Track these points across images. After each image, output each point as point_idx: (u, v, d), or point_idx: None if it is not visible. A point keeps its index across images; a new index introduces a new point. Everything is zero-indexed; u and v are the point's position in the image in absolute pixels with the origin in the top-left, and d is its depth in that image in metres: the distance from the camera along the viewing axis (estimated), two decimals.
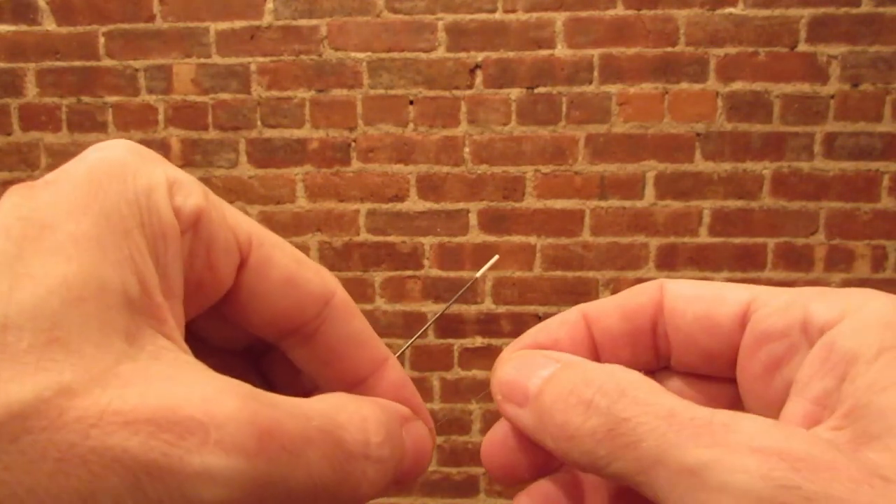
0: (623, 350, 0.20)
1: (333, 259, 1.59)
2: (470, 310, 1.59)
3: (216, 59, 1.54)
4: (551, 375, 0.18)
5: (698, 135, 1.51)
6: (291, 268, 0.20)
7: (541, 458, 0.21)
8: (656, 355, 0.21)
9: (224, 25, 1.52)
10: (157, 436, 0.13)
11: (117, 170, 0.16)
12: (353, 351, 0.20)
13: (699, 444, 0.14)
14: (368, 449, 0.16)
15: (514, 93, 1.52)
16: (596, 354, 0.20)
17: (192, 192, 0.17)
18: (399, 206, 1.57)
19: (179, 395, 0.13)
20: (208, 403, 0.13)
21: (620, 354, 0.20)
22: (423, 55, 1.52)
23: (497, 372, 0.20)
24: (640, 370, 0.18)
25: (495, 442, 0.22)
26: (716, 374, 0.20)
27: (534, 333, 0.20)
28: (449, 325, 1.59)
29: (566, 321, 0.20)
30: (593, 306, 0.20)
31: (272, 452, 0.14)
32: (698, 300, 0.19)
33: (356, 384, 0.20)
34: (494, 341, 1.59)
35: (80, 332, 0.13)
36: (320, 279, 0.20)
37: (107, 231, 0.14)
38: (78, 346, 0.13)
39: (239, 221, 0.18)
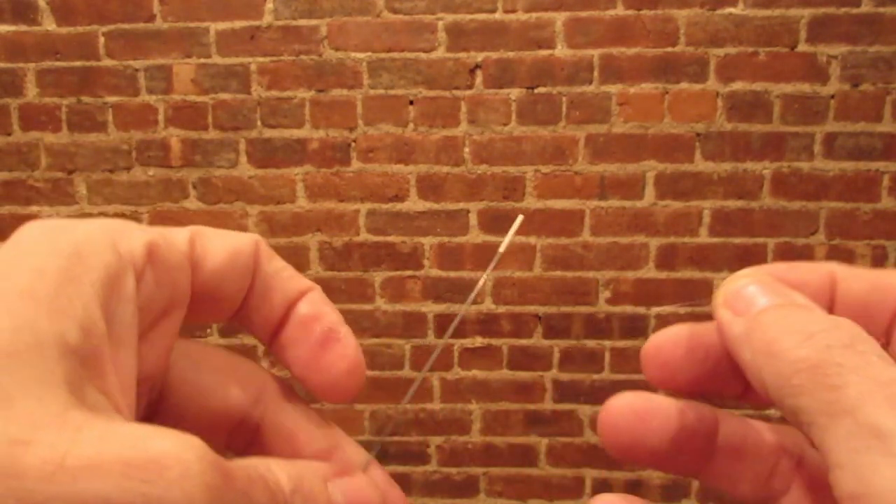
0: (864, 314, 0.19)
1: (333, 259, 1.59)
2: (470, 310, 1.59)
3: (216, 59, 1.54)
4: (783, 303, 0.17)
5: (698, 135, 1.51)
6: (226, 242, 0.20)
7: (706, 374, 0.20)
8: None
9: (224, 25, 1.52)
10: (130, 476, 0.12)
11: (49, 231, 0.16)
12: (280, 283, 0.21)
13: (884, 408, 0.14)
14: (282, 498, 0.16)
15: (514, 93, 1.52)
16: (830, 306, 0.19)
17: (135, 232, 0.17)
18: (399, 206, 1.57)
19: (139, 436, 0.13)
20: (170, 441, 0.13)
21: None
22: (423, 55, 1.52)
23: (731, 282, 0.19)
24: None
25: (667, 340, 0.21)
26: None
27: (784, 269, 0.19)
28: (449, 326, 1.59)
29: (816, 270, 0.19)
30: (842, 268, 0.19)
31: (233, 492, 0.14)
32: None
33: (284, 316, 0.20)
34: (494, 341, 1.59)
35: (18, 386, 0.13)
36: (247, 237, 0.21)
37: (41, 284, 0.14)
38: (19, 400, 0.12)
39: (178, 235, 0.19)
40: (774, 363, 0.16)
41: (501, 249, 0.24)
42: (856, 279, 0.19)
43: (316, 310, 0.21)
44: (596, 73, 1.50)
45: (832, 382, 0.15)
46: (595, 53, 1.50)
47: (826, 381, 0.15)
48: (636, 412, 0.20)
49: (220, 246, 0.20)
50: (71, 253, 0.15)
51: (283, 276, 0.21)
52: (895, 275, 0.18)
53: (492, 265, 0.24)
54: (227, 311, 0.20)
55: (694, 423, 0.21)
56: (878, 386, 0.14)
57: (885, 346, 0.19)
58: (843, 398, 0.14)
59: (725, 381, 0.21)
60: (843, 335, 0.16)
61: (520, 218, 0.24)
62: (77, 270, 0.15)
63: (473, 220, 1.56)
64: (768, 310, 0.17)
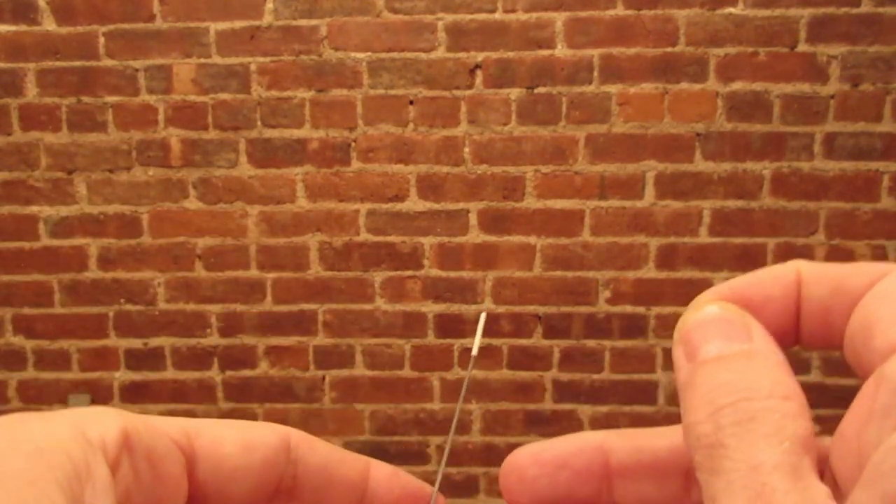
0: (824, 321, 0.19)
1: (333, 259, 1.59)
2: (470, 310, 1.59)
3: (216, 59, 1.54)
4: (723, 356, 0.17)
5: (698, 135, 1.51)
6: (240, 434, 0.18)
7: (568, 486, 0.21)
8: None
9: (224, 25, 1.52)
10: None
11: (8, 427, 0.14)
12: (336, 472, 0.20)
13: (739, 499, 0.14)
14: None
15: (514, 93, 1.52)
16: (797, 319, 0.19)
17: (107, 418, 0.16)
18: (399, 206, 1.57)
19: None
20: None
21: (818, 325, 0.19)
22: (423, 55, 1.52)
23: (690, 313, 0.19)
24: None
25: (524, 460, 0.21)
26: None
27: (748, 285, 0.19)
28: (449, 325, 1.59)
29: (781, 279, 0.19)
30: (807, 268, 0.19)
31: None
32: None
33: (356, 500, 0.20)
34: (494, 341, 1.59)
35: None
36: (271, 430, 0.19)
37: (2, 489, 0.13)
38: None
39: (168, 423, 0.17)
40: (688, 434, 0.16)
41: (474, 353, 0.25)
42: (817, 284, 0.18)
43: (395, 485, 0.20)
44: (596, 73, 1.50)
45: (714, 466, 0.15)
46: (595, 53, 1.50)
47: (711, 465, 0.15)
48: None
49: (232, 438, 0.18)
50: (32, 451, 0.13)
51: (336, 461, 0.20)
52: (858, 274, 0.18)
53: (469, 369, 0.25)
54: None
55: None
56: (743, 474, 0.15)
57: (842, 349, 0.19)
58: (714, 485, 0.15)
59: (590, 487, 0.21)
60: (745, 408, 0.16)
61: (483, 315, 0.25)
62: (39, 470, 0.13)
63: (473, 220, 1.56)
64: (707, 364, 0.17)
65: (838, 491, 0.16)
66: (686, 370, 0.17)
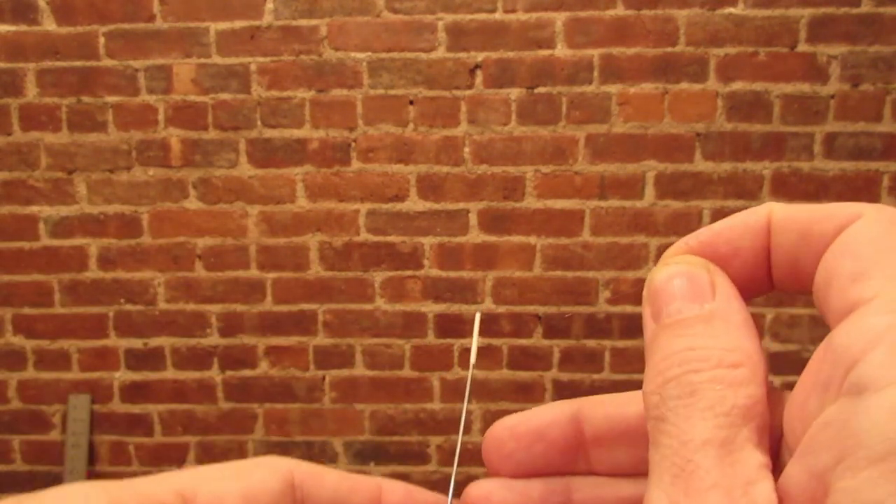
0: (793, 268, 0.18)
1: (333, 259, 1.59)
2: (470, 310, 1.59)
3: (216, 59, 1.54)
4: (680, 321, 0.17)
5: (698, 135, 1.51)
6: (240, 486, 0.18)
7: (546, 455, 0.21)
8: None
9: (224, 25, 1.52)
10: None
11: None
12: (350, 498, 0.20)
13: (664, 480, 0.15)
14: None
15: (514, 93, 1.52)
16: (768, 266, 0.19)
17: (91, 498, 0.15)
18: (399, 206, 1.57)
19: None
20: None
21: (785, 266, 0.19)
22: (423, 55, 1.52)
23: (658, 272, 0.18)
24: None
25: (504, 431, 0.21)
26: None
27: (716, 234, 0.19)
28: (449, 325, 1.59)
29: (750, 228, 0.18)
30: (778, 212, 0.18)
31: None
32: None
33: None
34: (494, 341, 1.59)
35: None
36: (272, 473, 0.19)
37: None
38: None
39: (162, 486, 0.17)
40: (644, 400, 0.16)
41: (473, 360, 0.25)
42: (786, 230, 0.18)
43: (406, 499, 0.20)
44: (596, 73, 1.50)
45: (655, 440, 0.15)
46: (595, 53, 1.50)
47: (654, 438, 0.15)
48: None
49: (232, 492, 0.18)
50: None
51: (347, 491, 0.20)
52: (826, 217, 0.17)
53: (469, 378, 0.25)
54: None
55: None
56: (674, 450, 0.15)
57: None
58: (651, 459, 0.15)
59: (568, 458, 0.22)
60: (691, 379, 0.16)
61: (478, 315, 0.25)
62: None
63: (473, 220, 1.56)
64: (666, 328, 0.17)
65: (790, 456, 0.16)
66: (651, 330, 0.18)
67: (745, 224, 0.18)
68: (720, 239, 0.19)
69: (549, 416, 0.22)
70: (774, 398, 0.17)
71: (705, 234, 0.19)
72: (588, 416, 0.21)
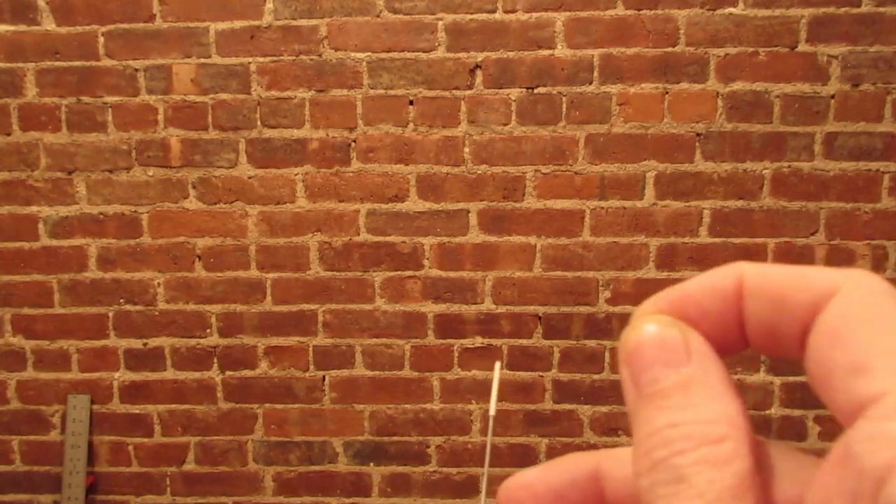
0: (770, 334, 0.19)
1: (333, 259, 1.59)
2: (470, 310, 1.58)
3: (216, 59, 1.54)
4: (659, 391, 0.17)
5: (698, 135, 1.51)
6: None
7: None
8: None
9: (224, 25, 1.52)
10: None
11: None
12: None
13: None
14: None
15: (514, 93, 1.52)
16: (741, 327, 0.19)
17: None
18: (399, 206, 1.56)
19: None
20: None
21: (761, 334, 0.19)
22: (423, 55, 1.52)
23: (631, 334, 0.19)
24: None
25: (520, 486, 0.22)
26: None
27: (686, 296, 0.19)
28: (449, 325, 1.59)
29: (720, 291, 0.18)
30: (750, 274, 0.18)
31: None
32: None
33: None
34: (494, 341, 1.59)
35: None
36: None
37: None
38: None
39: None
40: (634, 462, 0.17)
41: (492, 412, 0.25)
42: (759, 299, 0.18)
43: None
44: (596, 73, 1.50)
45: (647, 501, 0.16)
46: (595, 53, 1.50)
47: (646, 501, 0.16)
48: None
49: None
50: None
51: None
52: (801, 288, 0.17)
53: (489, 431, 0.24)
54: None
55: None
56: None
57: (799, 349, 0.18)
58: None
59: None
60: (673, 467, 0.16)
61: (497, 365, 0.25)
62: None
63: (473, 220, 1.56)
64: (645, 401, 0.17)
65: None
66: (632, 396, 0.18)
67: (714, 287, 0.18)
68: (689, 300, 0.19)
69: (567, 474, 0.22)
70: (762, 455, 0.17)
71: (675, 293, 0.19)
72: (608, 475, 0.21)
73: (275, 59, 1.53)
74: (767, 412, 1.58)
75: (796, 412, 1.58)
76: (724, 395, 0.17)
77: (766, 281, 0.18)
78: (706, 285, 0.18)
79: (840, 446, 0.15)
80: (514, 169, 1.54)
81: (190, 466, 1.67)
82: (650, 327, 0.18)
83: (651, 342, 0.18)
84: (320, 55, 1.53)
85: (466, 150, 1.54)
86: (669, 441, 0.16)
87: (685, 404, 0.17)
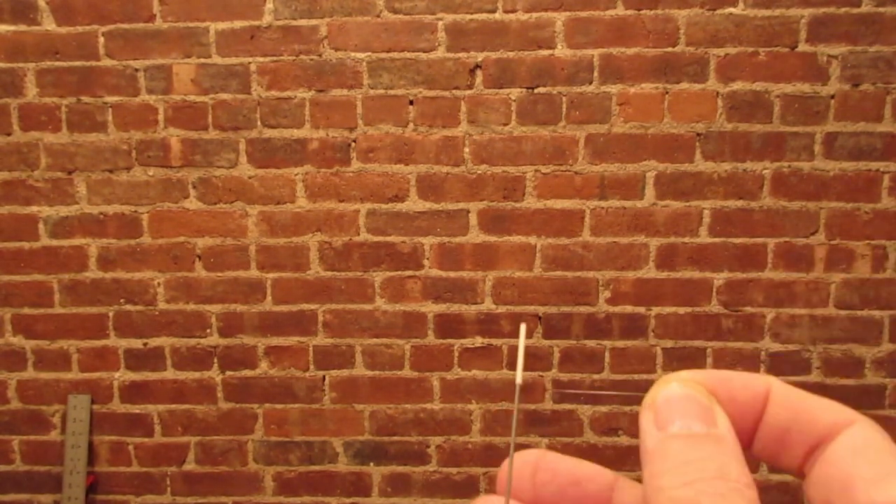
0: (780, 440, 0.21)
1: (333, 259, 1.59)
2: (470, 310, 1.58)
3: (216, 59, 1.54)
4: (695, 434, 0.19)
5: (698, 135, 1.51)
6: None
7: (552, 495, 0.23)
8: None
9: (224, 25, 1.52)
10: None
11: None
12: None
13: None
14: None
15: (514, 93, 1.52)
16: (754, 429, 0.21)
17: None
18: (399, 206, 1.57)
19: None
20: None
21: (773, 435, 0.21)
22: (423, 55, 1.52)
23: (663, 385, 0.20)
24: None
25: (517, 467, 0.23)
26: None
27: (719, 380, 0.21)
28: (449, 325, 1.59)
29: (751, 386, 0.21)
30: (779, 388, 0.21)
31: None
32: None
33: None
34: (494, 341, 1.59)
35: None
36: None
37: None
38: None
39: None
40: (657, 496, 0.18)
41: (518, 381, 0.25)
42: (783, 406, 0.20)
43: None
44: (596, 73, 1.50)
45: None
46: (595, 53, 1.50)
47: None
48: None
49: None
50: None
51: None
52: (824, 409, 0.20)
53: (516, 400, 0.25)
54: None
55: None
56: None
57: (798, 473, 0.20)
58: None
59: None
60: (719, 486, 0.17)
61: (523, 328, 0.25)
62: None
63: (473, 220, 1.56)
64: (678, 438, 0.19)
65: None
66: (655, 437, 0.19)
67: (744, 383, 0.21)
68: (722, 384, 0.21)
69: (590, 470, 0.23)
70: None
71: (710, 374, 0.21)
72: (622, 489, 0.23)
73: (275, 59, 1.53)
74: None
75: None
76: (744, 462, 0.19)
77: (791, 396, 0.20)
78: (739, 378, 0.21)
79: None
80: (514, 169, 1.54)
81: (190, 466, 1.67)
82: (685, 387, 0.20)
83: (683, 397, 0.20)
84: (320, 55, 1.53)
85: (466, 150, 1.54)
86: (708, 468, 0.18)
87: (717, 452, 0.18)
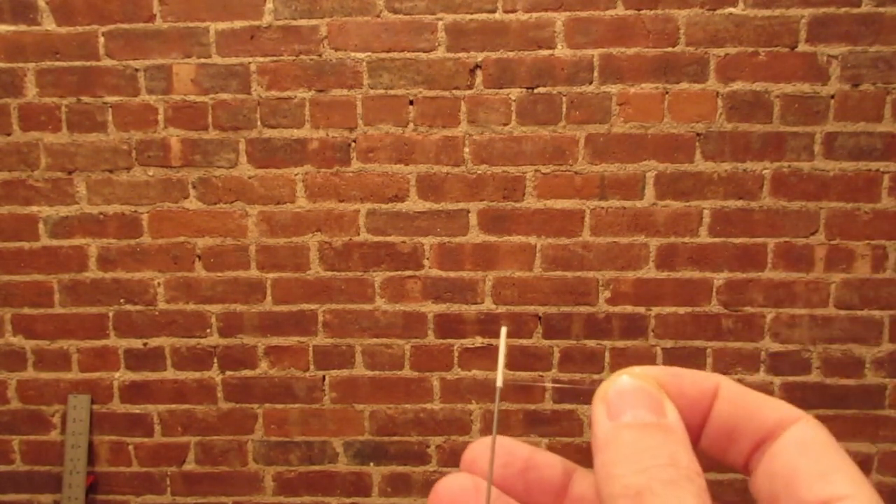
0: (727, 435, 0.22)
1: (333, 259, 1.59)
2: (470, 310, 1.58)
3: (216, 59, 1.54)
4: (646, 424, 0.20)
5: (698, 135, 1.51)
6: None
7: None
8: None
9: (224, 25, 1.52)
10: None
11: None
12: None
13: None
14: None
15: (514, 93, 1.52)
16: (701, 425, 0.22)
17: None
18: (399, 206, 1.57)
19: None
20: None
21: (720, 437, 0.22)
22: (423, 55, 1.52)
23: (615, 379, 0.21)
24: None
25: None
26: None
27: (669, 375, 0.21)
28: (449, 325, 1.59)
29: (700, 383, 0.21)
30: (727, 385, 0.21)
31: None
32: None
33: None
34: (494, 341, 1.59)
35: None
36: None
37: None
38: None
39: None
40: (610, 483, 0.18)
41: (499, 384, 0.26)
42: (730, 403, 0.21)
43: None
44: (596, 73, 1.50)
45: None
46: (595, 53, 1.50)
47: None
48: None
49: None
50: None
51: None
52: (770, 407, 0.20)
53: (496, 402, 0.25)
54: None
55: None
56: None
57: (744, 469, 0.21)
58: None
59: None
60: (671, 472, 0.18)
61: (503, 329, 0.26)
62: None
63: (473, 220, 1.56)
64: (630, 428, 0.19)
65: None
66: (607, 427, 0.20)
67: (694, 379, 0.21)
68: (672, 380, 0.21)
69: (549, 458, 0.24)
70: None
71: (662, 370, 0.22)
72: (581, 478, 0.24)
73: (275, 59, 1.53)
74: None
75: None
76: (693, 451, 0.19)
77: (738, 393, 0.21)
78: (689, 374, 0.22)
79: None
80: (514, 169, 1.54)
81: (190, 466, 1.67)
82: (635, 379, 0.21)
83: (634, 389, 0.20)
84: (320, 55, 1.53)
85: (466, 150, 1.54)
86: (660, 455, 0.18)
87: (668, 441, 0.19)
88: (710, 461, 0.21)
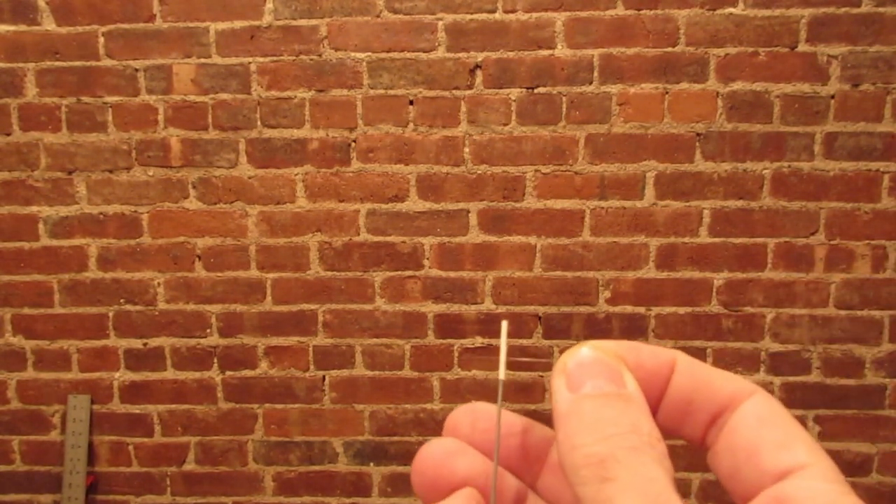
0: (684, 409, 0.22)
1: (333, 259, 1.59)
2: (470, 310, 1.58)
3: (216, 59, 1.54)
4: (607, 393, 0.20)
5: (698, 135, 1.51)
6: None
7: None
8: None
9: (224, 25, 1.52)
10: None
11: None
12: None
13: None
14: None
15: (514, 93, 1.52)
16: (658, 398, 0.22)
17: None
18: (399, 206, 1.57)
19: None
20: None
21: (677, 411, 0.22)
22: (423, 55, 1.52)
23: (574, 351, 0.21)
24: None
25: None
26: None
27: (627, 349, 0.22)
28: (449, 326, 1.59)
29: (657, 356, 0.22)
30: (684, 361, 0.22)
31: None
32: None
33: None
34: (494, 341, 1.59)
35: None
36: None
37: None
38: None
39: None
40: (572, 454, 0.19)
41: (502, 376, 0.26)
42: (687, 376, 0.21)
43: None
44: (596, 73, 1.50)
45: (606, 475, 0.18)
46: (595, 53, 1.50)
47: (602, 474, 0.18)
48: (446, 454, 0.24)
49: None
50: None
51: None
52: (725, 380, 0.21)
53: (499, 397, 0.26)
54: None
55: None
56: (642, 483, 0.17)
57: (701, 443, 0.21)
58: (608, 490, 0.17)
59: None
60: (633, 439, 0.18)
61: (504, 323, 0.26)
62: None
63: (473, 220, 1.56)
64: (590, 398, 0.20)
65: None
66: (567, 399, 0.20)
67: (652, 352, 0.22)
68: (629, 353, 0.22)
69: (529, 424, 0.25)
70: None
71: (622, 344, 0.22)
72: (530, 432, 0.25)
73: (275, 59, 1.53)
74: None
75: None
76: (653, 419, 0.20)
77: (695, 367, 0.22)
78: (647, 349, 0.22)
79: (771, 494, 0.18)
80: (514, 169, 1.54)
81: (190, 466, 1.67)
82: (595, 351, 0.21)
83: (594, 361, 0.21)
84: (320, 55, 1.53)
85: (466, 150, 1.54)
86: (621, 424, 0.19)
87: (627, 410, 0.19)
88: (666, 435, 0.21)
